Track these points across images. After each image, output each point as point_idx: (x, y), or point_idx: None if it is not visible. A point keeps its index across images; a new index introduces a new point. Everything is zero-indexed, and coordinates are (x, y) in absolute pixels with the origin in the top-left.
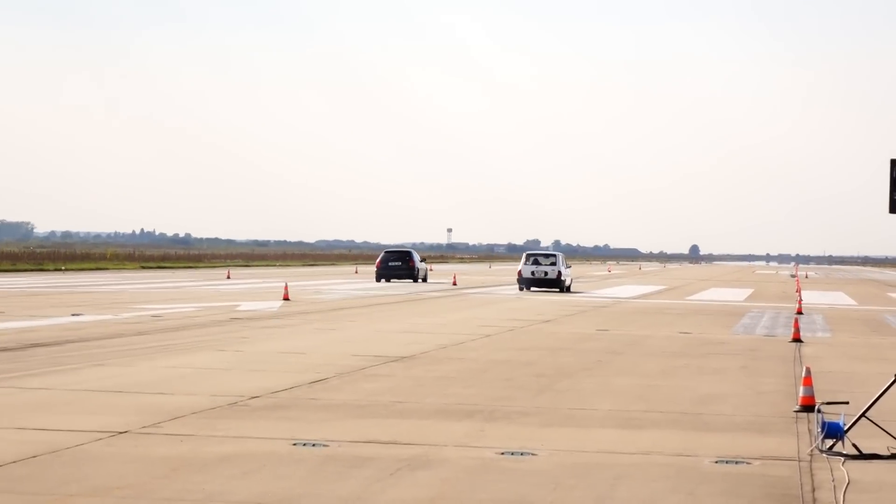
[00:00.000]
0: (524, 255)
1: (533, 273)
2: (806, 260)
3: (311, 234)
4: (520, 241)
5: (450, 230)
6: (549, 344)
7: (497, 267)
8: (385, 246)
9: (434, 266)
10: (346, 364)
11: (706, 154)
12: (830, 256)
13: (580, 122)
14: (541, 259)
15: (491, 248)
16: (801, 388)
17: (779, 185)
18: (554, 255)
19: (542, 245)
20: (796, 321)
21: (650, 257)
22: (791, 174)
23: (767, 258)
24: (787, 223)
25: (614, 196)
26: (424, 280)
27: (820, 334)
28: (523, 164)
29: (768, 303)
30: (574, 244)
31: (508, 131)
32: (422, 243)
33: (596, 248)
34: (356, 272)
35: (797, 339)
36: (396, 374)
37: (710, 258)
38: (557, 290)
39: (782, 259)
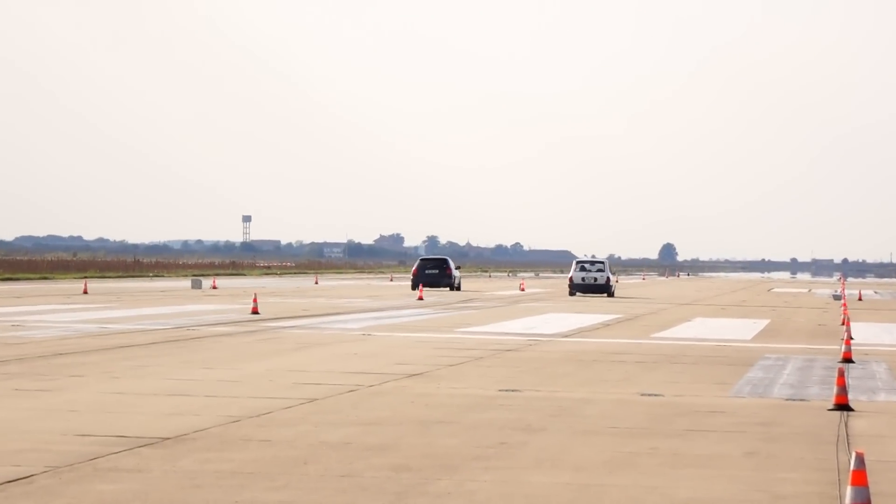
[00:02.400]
0: (574, 262)
1: (583, 279)
2: (860, 269)
3: (4, 227)
4: (368, 239)
5: (248, 220)
6: (417, 415)
7: (330, 282)
8: (136, 246)
9: (220, 282)
10: (67, 450)
11: (686, 95)
12: None
13: (465, 54)
14: (587, 266)
15: (320, 248)
16: (849, 490)
17: (811, 147)
18: (601, 263)
19: (407, 245)
20: (842, 374)
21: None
22: (833, 128)
23: (794, 266)
24: (828, 210)
25: (529, 169)
26: (458, 289)
27: (882, 397)
28: (379, 122)
29: (794, 343)
30: (461, 243)
31: (353, 67)
32: (199, 241)
33: (500, 249)
34: (85, 291)
35: (842, 406)
36: (153, 467)
37: (694, 266)
38: (606, 294)
39: (819, 267)
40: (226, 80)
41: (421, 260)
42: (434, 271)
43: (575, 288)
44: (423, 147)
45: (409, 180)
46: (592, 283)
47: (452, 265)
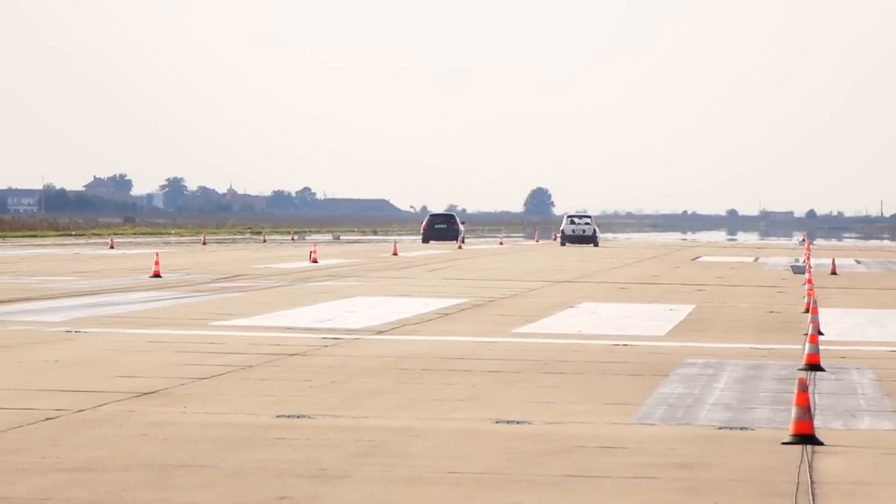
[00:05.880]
0: (565, 216)
1: (573, 231)
2: (834, 226)
3: None
4: (76, 184)
5: None
6: (151, 455)
7: (17, 251)
8: None
9: None
10: None
11: None
12: (894, 217)
13: None
14: (576, 220)
15: (1, 198)
16: None
17: (755, 49)
18: (588, 217)
19: (137, 192)
20: (804, 389)
21: (417, 219)
22: (792, 20)
23: (733, 222)
24: (785, 141)
25: (322, 89)
26: (464, 242)
27: (867, 423)
28: (86, 15)
29: (731, 340)
30: (220, 190)
31: None
32: None
33: (280, 198)
34: None
35: (805, 437)
36: None
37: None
38: (592, 244)
39: (772, 224)
40: None
41: (431, 215)
42: (443, 226)
43: (566, 239)
44: (158, 55)
45: (136, 99)
46: (581, 234)
47: (458, 220)
